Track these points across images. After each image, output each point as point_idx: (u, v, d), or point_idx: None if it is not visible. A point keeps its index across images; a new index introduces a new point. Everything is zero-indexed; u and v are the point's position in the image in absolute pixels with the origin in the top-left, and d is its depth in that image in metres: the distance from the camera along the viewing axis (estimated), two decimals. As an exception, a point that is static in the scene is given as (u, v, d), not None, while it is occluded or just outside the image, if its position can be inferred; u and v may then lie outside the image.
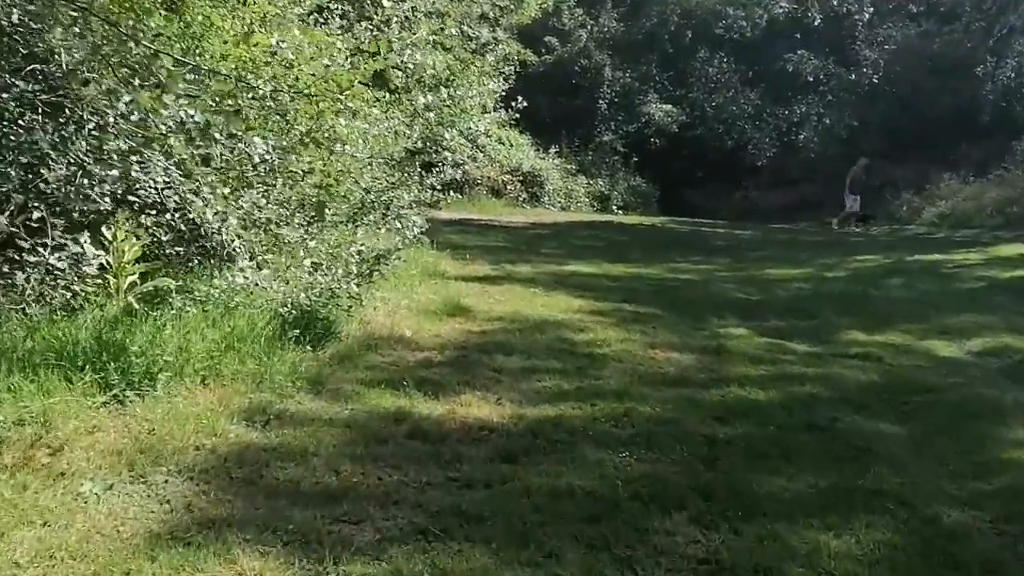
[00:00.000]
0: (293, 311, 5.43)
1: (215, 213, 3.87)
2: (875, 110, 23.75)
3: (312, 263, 5.37)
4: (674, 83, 26.34)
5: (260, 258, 5.40)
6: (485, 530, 3.02)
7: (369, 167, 7.86)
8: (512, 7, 22.12)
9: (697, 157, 25.40)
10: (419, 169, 9.13)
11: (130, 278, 5.30)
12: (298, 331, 5.40)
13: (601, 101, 25.41)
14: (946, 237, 16.78)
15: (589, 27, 26.00)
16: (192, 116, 3.41)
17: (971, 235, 16.96)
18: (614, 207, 23.76)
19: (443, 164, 9.52)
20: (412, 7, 7.63)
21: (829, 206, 23.46)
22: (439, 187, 9.64)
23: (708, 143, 25.29)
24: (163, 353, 4.42)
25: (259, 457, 3.65)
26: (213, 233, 4.07)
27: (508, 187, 21.47)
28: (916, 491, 3.57)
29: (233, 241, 4.03)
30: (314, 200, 5.21)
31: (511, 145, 22.39)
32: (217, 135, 3.61)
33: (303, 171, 4.96)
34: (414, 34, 8.00)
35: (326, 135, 5.02)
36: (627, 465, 3.80)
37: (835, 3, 23.85)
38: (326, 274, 5.61)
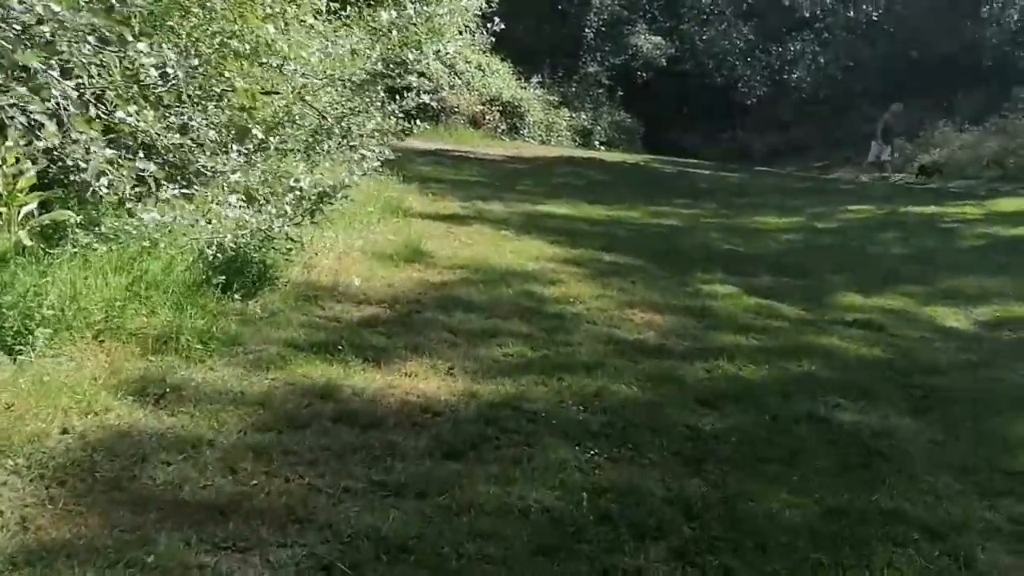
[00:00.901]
0: (220, 254, 4.65)
1: (74, 141, 3.05)
2: (872, 51, 22.79)
3: (241, 199, 4.56)
4: (664, 13, 25.10)
5: (176, 191, 4.58)
6: (407, 569, 2.34)
7: (324, 90, 6.98)
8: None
9: (685, 94, 24.38)
10: (383, 95, 8.24)
11: (24, 208, 4.49)
12: (224, 277, 4.64)
13: (588, 30, 24.16)
14: (940, 187, 16.13)
15: (579, -52, 24.55)
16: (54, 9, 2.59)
17: (966, 186, 16.30)
18: (596, 142, 22.82)
19: (410, 90, 8.61)
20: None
21: (818, 150, 22.73)
22: (405, 115, 8.78)
23: (697, 79, 24.24)
24: (41, 304, 3.64)
25: (139, 447, 2.93)
26: (76, 164, 3.24)
27: (487, 117, 20.41)
28: (942, 514, 2.94)
29: (100, 177, 3.21)
30: (237, 125, 4.34)
31: (491, 72, 21.24)
32: (90, 39, 2.79)
33: (217, 92, 4.07)
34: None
35: (249, 46, 4.14)
36: (596, 468, 3.13)
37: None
38: (260, 212, 4.80)
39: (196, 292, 4.41)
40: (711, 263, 7.73)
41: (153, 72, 3.29)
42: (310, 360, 3.93)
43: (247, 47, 4.17)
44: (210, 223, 4.33)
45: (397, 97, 8.45)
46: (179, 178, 4.14)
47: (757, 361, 4.71)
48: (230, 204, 4.23)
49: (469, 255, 6.96)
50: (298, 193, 4.80)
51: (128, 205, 3.80)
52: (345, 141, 7.31)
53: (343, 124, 7.33)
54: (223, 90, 4.06)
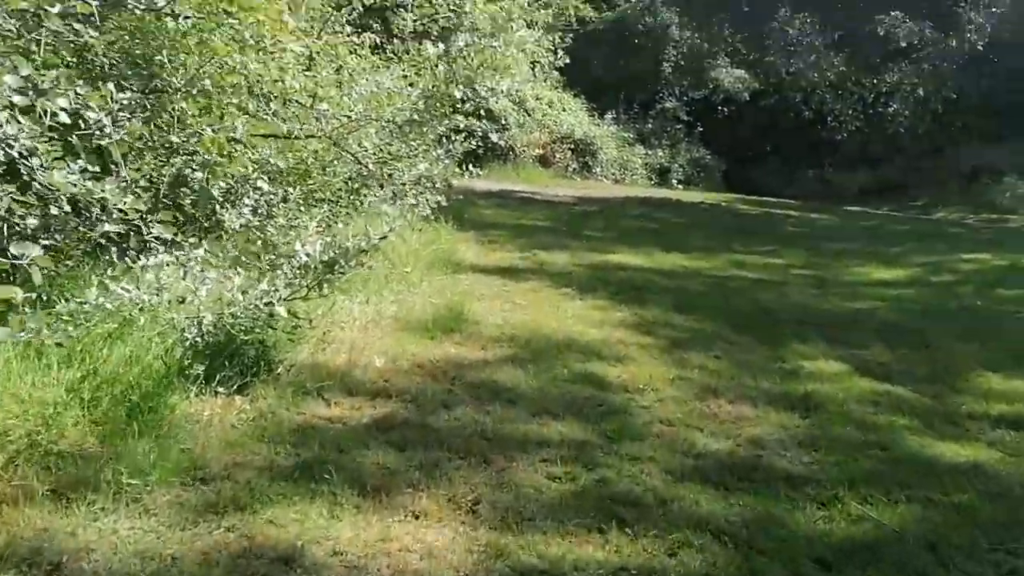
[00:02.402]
0: (200, 337, 3.79)
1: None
2: (976, 82, 20.98)
3: (225, 267, 3.70)
4: (748, 46, 23.82)
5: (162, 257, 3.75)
6: None
7: (363, 132, 6.17)
8: (570, -42, 20.02)
9: (769, 129, 22.96)
10: (441, 134, 7.41)
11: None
12: (206, 365, 3.77)
13: (665, 64, 23.12)
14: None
15: (656, -20, 23.63)
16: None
17: (1093, 231, 14.54)
18: (673, 181, 21.64)
19: (464, 131, 7.77)
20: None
21: (915, 189, 20.97)
22: (461, 158, 7.94)
23: (782, 113, 22.81)
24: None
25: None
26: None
27: (557, 155, 19.53)
28: None
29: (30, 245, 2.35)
30: (200, 186, 3.46)
31: (562, 109, 20.40)
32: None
33: (176, 142, 3.18)
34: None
35: (218, 80, 3.28)
36: None
37: (938, -42, 20.99)
38: (256, 282, 3.94)
39: (165, 389, 3.54)
40: (807, 328, 6.55)
41: (63, 116, 2.46)
42: (286, 496, 2.96)
43: (233, 82, 3.32)
44: (182, 302, 3.46)
45: (455, 137, 7.69)
46: (146, 244, 3.29)
47: (888, 488, 3.53)
48: (205, 277, 3.35)
49: (521, 321, 5.97)
50: (301, 261, 3.90)
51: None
52: (386, 191, 6.47)
53: (384, 171, 6.51)
54: (184, 140, 3.19)
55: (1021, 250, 11.50)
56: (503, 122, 18.14)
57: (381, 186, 6.32)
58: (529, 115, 18.96)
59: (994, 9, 20.53)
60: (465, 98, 6.39)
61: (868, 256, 10.85)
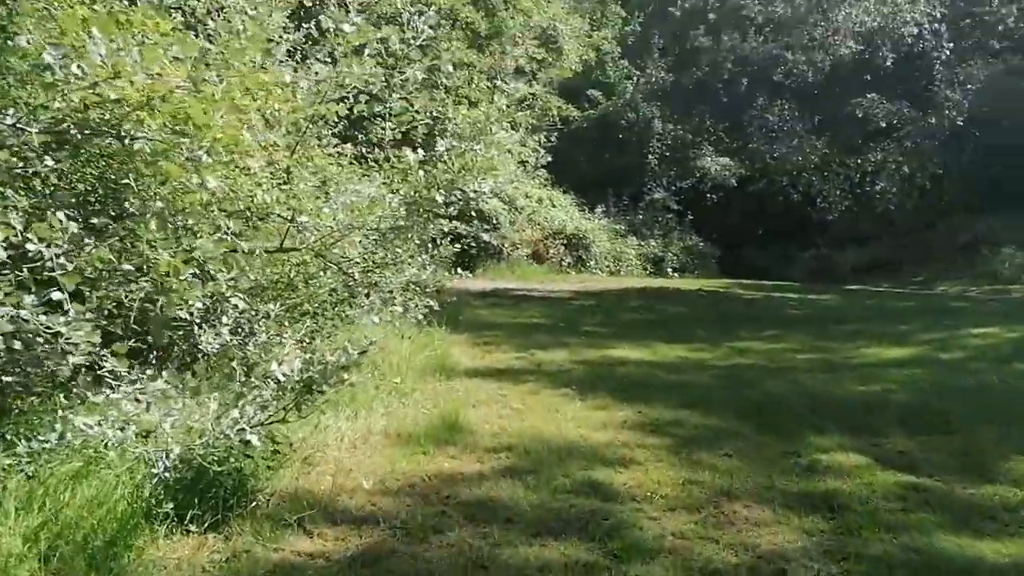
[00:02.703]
0: (167, 473, 3.50)
1: None
2: (958, 158, 21.26)
3: (194, 395, 3.44)
4: (731, 134, 24.30)
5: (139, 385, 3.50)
6: None
7: (348, 240, 6.04)
8: (551, 60, 20.59)
9: (759, 213, 23.14)
10: (429, 238, 7.30)
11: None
12: (176, 503, 3.47)
13: (651, 156, 23.51)
14: (1067, 300, 14.19)
15: (636, 78, 24.29)
16: None
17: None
18: (669, 269, 21.60)
19: (450, 235, 7.69)
20: (407, 37, 5.81)
21: (910, 264, 20.91)
22: (450, 260, 7.81)
23: (771, 197, 23.03)
24: None
25: None
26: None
27: (550, 251, 19.54)
28: None
29: None
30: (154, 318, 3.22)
31: (552, 205, 20.55)
32: None
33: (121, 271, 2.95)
34: (402, 72, 6.20)
35: (174, 202, 3.08)
36: None
37: (909, 41, 21.58)
38: (229, 407, 3.67)
39: (131, 532, 3.23)
40: (822, 418, 6.23)
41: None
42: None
43: (190, 201, 3.14)
44: (147, 436, 3.19)
45: (441, 241, 7.58)
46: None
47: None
48: (171, 408, 3.09)
49: (519, 428, 5.66)
50: (277, 381, 3.65)
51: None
52: (372, 299, 6.27)
53: (369, 279, 6.34)
54: (137, 266, 2.98)
55: (1028, 321, 11.28)
56: (494, 221, 18.21)
57: (367, 295, 6.12)
58: (519, 213, 19.05)
59: (969, 86, 21.00)
60: (448, 201, 6.29)
61: (875, 336, 10.59)
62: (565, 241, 19.97)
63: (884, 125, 22.09)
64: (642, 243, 21.87)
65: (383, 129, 6.17)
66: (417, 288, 8.08)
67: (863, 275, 20.60)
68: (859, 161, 22.35)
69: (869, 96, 22.32)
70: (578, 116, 24.15)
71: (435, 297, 9.02)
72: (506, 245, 19.06)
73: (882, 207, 21.92)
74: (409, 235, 6.61)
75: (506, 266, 18.64)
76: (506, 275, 18.17)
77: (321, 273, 5.76)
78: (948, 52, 21.06)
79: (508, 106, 6.40)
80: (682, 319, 12.43)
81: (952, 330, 10.82)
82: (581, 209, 21.64)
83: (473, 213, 16.34)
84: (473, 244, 17.15)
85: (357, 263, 6.04)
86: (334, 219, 5.61)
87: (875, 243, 22.08)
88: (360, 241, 6.22)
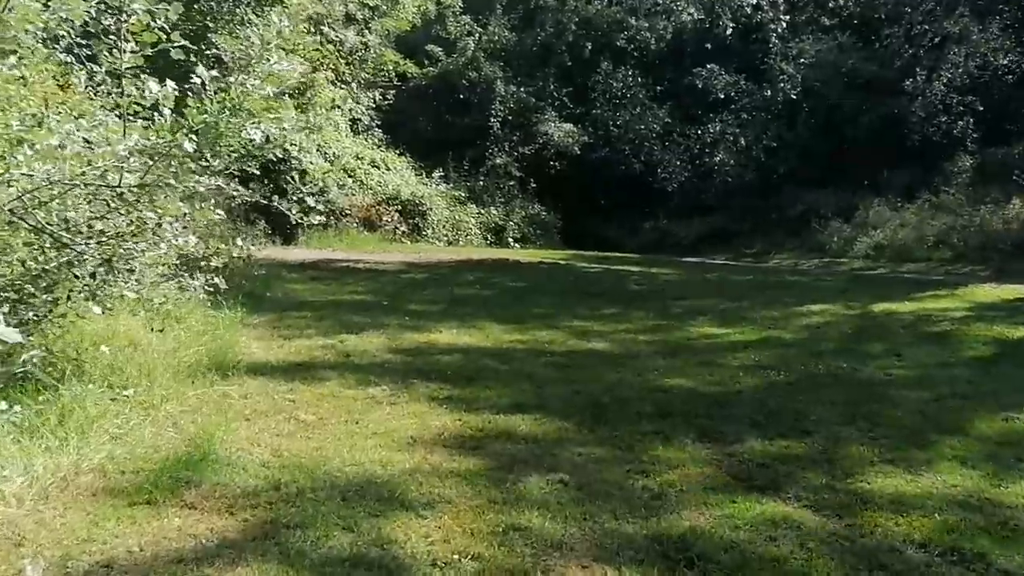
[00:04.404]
0: None
1: None
2: (794, 131, 21.62)
3: None
4: (574, 99, 23.59)
5: None
6: None
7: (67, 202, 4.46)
8: (385, 9, 18.94)
9: (602, 182, 22.67)
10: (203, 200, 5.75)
11: None
12: None
13: (493, 119, 22.37)
14: (894, 274, 14.42)
15: (477, 35, 22.99)
16: None
17: (920, 271, 14.71)
18: (510, 240, 20.69)
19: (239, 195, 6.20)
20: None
21: (746, 236, 21.11)
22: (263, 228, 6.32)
23: (614, 166, 22.59)
24: None
25: None
26: None
27: (384, 218, 18.05)
28: None
29: None
30: None
31: (387, 168, 19.02)
32: None
33: None
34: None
35: None
36: None
37: (748, 11, 21.59)
38: None
39: None
40: (669, 420, 5.38)
41: None
42: None
43: None
44: None
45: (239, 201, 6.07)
46: None
47: None
48: None
49: (299, 453, 4.35)
50: None
51: None
52: (101, 279, 4.71)
53: (104, 252, 4.78)
54: None
55: (866, 297, 11.13)
56: (320, 185, 16.51)
57: (92, 276, 4.56)
58: (349, 176, 17.42)
59: (803, 60, 21.28)
60: (216, 152, 4.82)
61: (717, 313, 10.02)
62: (400, 208, 18.53)
63: (723, 96, 22.09)
64: (483, 211, 20.81)
65: (118, 52, 4.60)
66: (205, 262, 6.59)
67: (703, 246, 20.59)
68: (699, 132, 22.29)
69: (709, 67, 22.23)
70: (417, 73, 22.65)
71: (226, 272, 7.49)
72: (338, 211, 17.41)
73: (720, 178, 22.00)
74: (165, 195, 5.07)
75: (334, 234, 17.01)
76: (334, 244, 16.57)
77: (15, 243, 4.16)
78: (784, 25, 21.21)
79: (289, 28, 4.93)
80: (520, 294, 11.44)
81: (792, 307, 10.45)
82: (418, 173, 20.24)
83: (295, 175, 14.65)
84: (296, 210, 15.44)
85: (76, 228, 4.48)
86: (30, 169, 4.04)
87: (717, 214, 22.16)
88: (87, 200, 4.67)
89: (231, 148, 5.18)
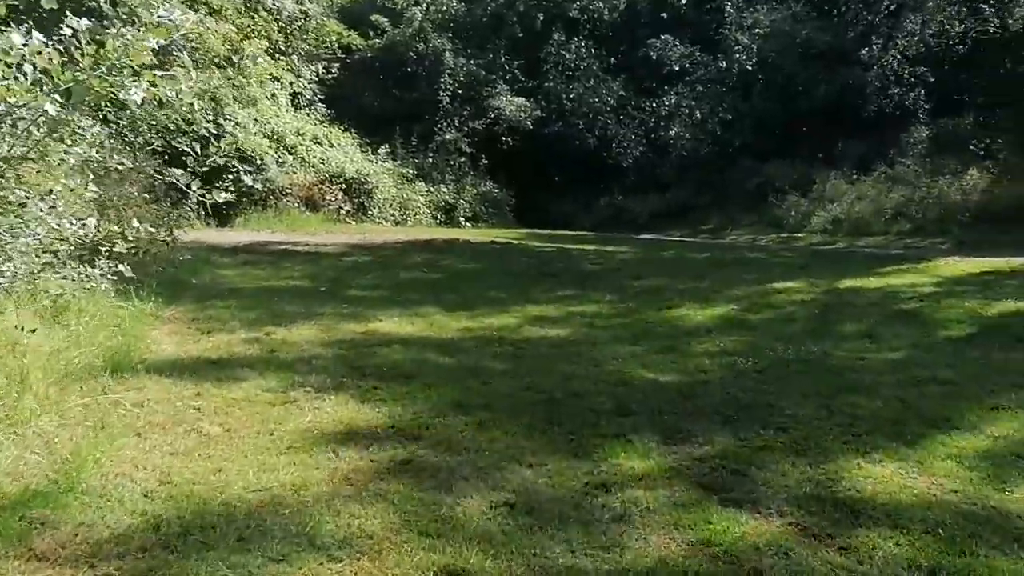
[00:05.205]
0: None
1: None
2: (749, 103, 21.17)
3: None
4: (526, 72, 22.82)
5: None
6: None
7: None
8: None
9: (556, 157, 21.99)
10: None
11: None
12: None
13: (442, 93, 21.49)
14: (853, 249, 14.07)
15: (425, 5, 22.04)
16: None
17: (880, 245, 14.39)
18: (461, 218, 19.94)
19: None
20: None
21: (702, 211, 20.68)
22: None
23: (568, 141, 21.92)
24: None
25: None
26: None
27: (327, 197, 17.14)
28: None
29: None
30: None
31: (330, 145, 18.08)
32: None
33: None
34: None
35: None
36: None
37: (702, -20, 21.05)
38: None
39: None
40: (631, 418, 4.82)
41: None
42: None
43: None
44: None
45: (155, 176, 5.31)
46: None
47: None
48: None
49: (192, 479, 3.63)
50: None
51: None
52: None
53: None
54: None
55: (828, 274, 10.69)
56: (258, 162, 15.55)
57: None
58: (289, 153, 16.47)
59: (757, 31, 20.80)
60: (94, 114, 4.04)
61: (678, 294, 9.48)
62: (344, 186, 17.62)
63: (677, 68, 21.54)
64: (432, 189, 19.99)
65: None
66: (108, 247, 5.83)
67: (660, 222, 20.11)
68: (654, 105, 21.73)
69: (663, 38, 21.64)
70: (362, 45, 21.65)
71: (141, 257, 6.74)
72: (277, 190, 16.45)
73: (676, 152, 21.49)
74: (36, 168, 4.30)
75: (274, 215, 16.08)
76: (274, 226, 15.65)
77: None
78: (739, -7, 20.72)
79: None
80: (470, 277, 10.78)
81: (755, 285, 9.95)
82: (364, 150, 19.32)
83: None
84: (232, 188, 14.48)
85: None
86: None
87: (673, 189, 21.67)
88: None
89: (153, 120, 4.41)
